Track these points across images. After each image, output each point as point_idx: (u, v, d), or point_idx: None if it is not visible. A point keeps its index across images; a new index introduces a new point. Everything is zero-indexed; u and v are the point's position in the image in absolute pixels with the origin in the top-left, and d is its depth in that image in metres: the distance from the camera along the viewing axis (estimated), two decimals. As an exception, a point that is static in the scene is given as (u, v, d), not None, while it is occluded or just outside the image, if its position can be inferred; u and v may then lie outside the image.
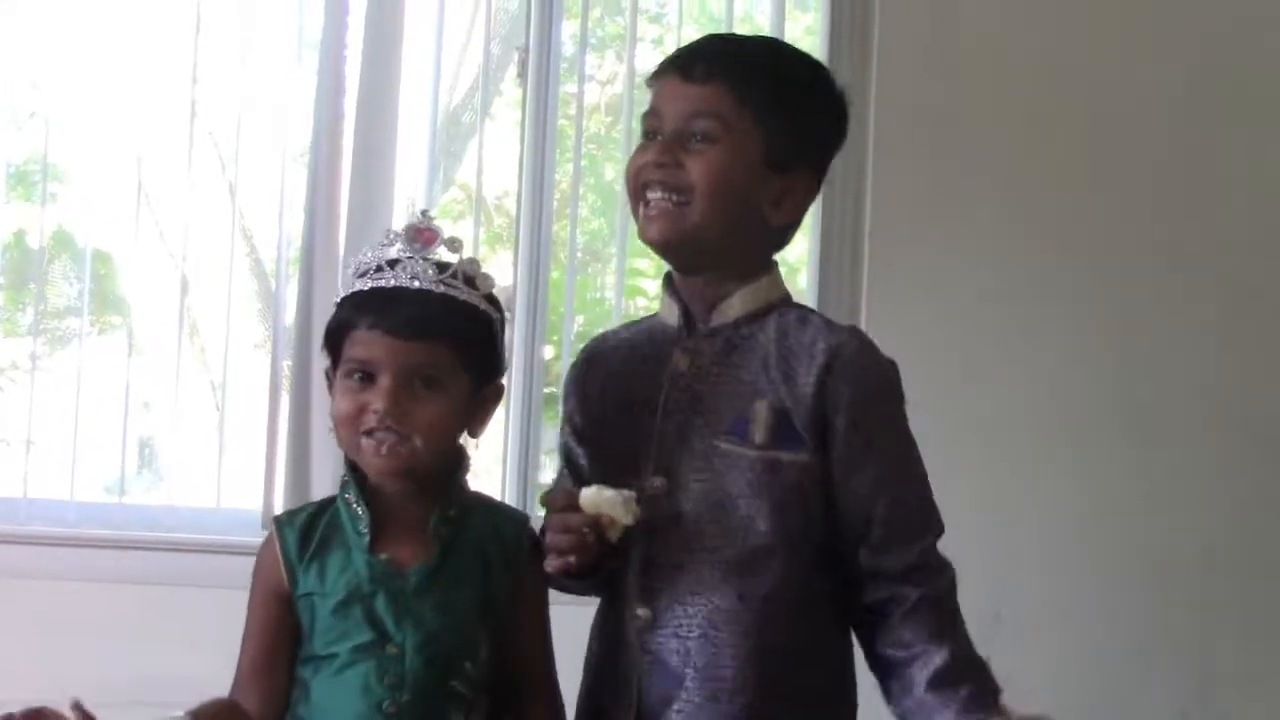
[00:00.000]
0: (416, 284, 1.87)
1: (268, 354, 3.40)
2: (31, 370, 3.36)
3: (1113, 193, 3.48)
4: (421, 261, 1.88)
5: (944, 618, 1.92)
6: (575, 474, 2.05)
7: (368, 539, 1.90)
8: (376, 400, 1.86)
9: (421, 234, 1.90)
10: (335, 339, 1.92)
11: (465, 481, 1.98)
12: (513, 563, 1.95)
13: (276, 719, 1.93)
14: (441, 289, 1.88)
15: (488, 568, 1.93)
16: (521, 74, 3.41)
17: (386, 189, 3.38)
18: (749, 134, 1.92)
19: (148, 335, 3.49)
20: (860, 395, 1.94)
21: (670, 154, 1.92)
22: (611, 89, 3.91)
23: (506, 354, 2.06)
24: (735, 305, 1.97)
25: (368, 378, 1.88)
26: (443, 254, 1.91)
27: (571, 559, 1.87)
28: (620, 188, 3.63)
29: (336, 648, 1.89)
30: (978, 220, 3.38)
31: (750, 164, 1.93)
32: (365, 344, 1.88)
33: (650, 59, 3.95)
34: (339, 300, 1.93)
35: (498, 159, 3.69)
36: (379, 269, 1.89)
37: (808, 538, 1.93)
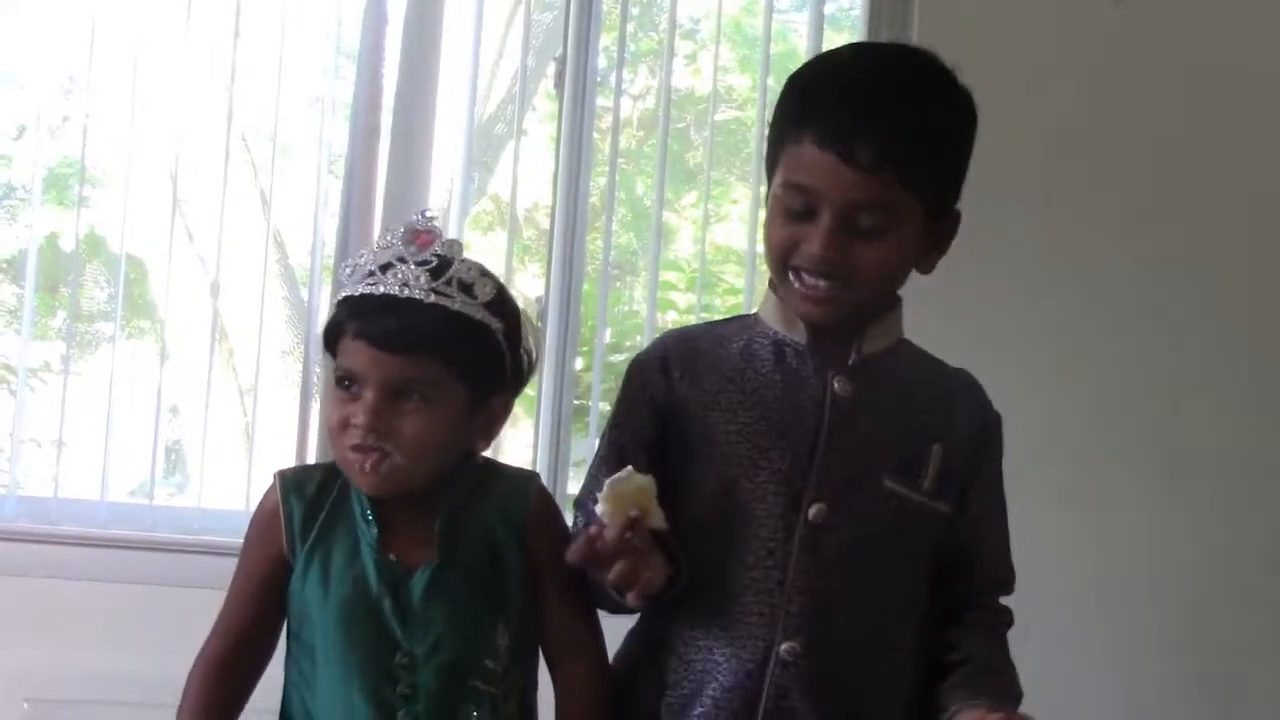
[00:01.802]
0: (406, 292, 1.78)
1: (297, 360, 3.41)
2: (63, 373, 3.37)
3: (1143, 216, 3.47)
4: (414, 267, 1.79)
5: (994, 642, 1.92)
6: (639, 449, 1.90)
7: (375, 533, 1.83)
8: (359, 414, 1.78)
9: (418, 235, 1.81)
10: (330, 342, 1.84)
11: (469, 465, 1.89)
12: (520, 532, 1.86)
13: (265, 660, 1.89)
14: (432, 298, 1.78)
15: (495, 554, 1.85)
16: (558, 85, 3.42)
17: (420, 198, 3.40)
18: (914, 211, 1.80)
19: (178, 340, 3.50)
20: (995, 451, 1.96)
21: (838, 249, 1.78)
22: (644, 104, 3.92)
23: (534, 362, 1.93)
24: (879, 337, 1.90)
25: (355, 388, 1.80)
26: (439, 252, 1.80)
27: (643, 585, 1.73)
28: (650, 201, 3.64)
29: (341, 652, 1.82)
30: (1003, 238, 3.37)
31: (917, 239, 1.82)
32: (351, 353, 1.80)
33: (683, 76, 3.97)
34: (336, 301, 1.85)
35: (530, 171, 3.70)
36: (371, 273, 1.80)
37: (923, 597, 1.92)
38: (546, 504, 1.90)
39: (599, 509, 1.70)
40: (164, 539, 3.22)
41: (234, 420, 3.56)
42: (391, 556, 1.83)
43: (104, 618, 3.10)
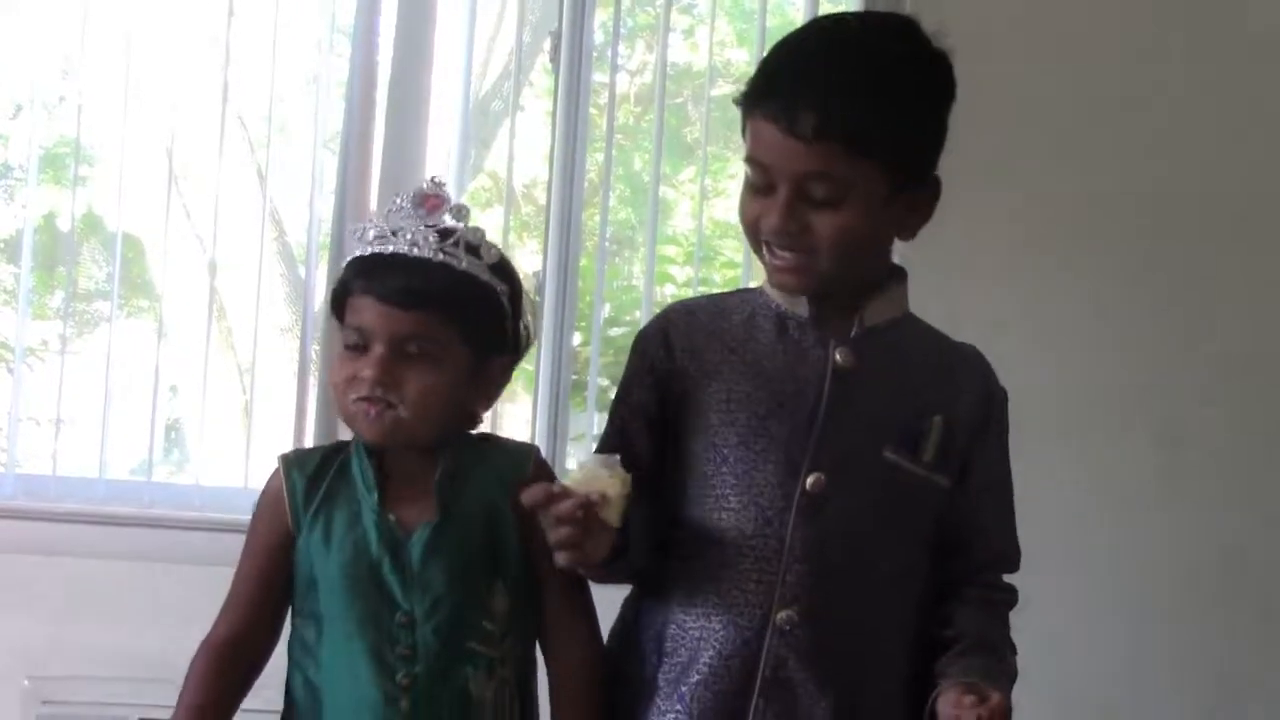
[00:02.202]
0: (415, 251, 1.83)
1: (295, 338, 3.42)
2: (61, 352, 3.37)
3: (1139, 190, 3.47)
4: (423, 229, 1.84)
5: (991, 619, 1.92)
6: (641, 426, 1.93)
7: (375, 497, 1.87)
8: (367, 368, 1.83)
9: (427, 199, 1.85)
10: (338, 304, 1.89)
11: (448, 416, 1.90)
12: (517, 501, 1.86)
13: (271, 643, 1.92)
14: (441, 257, 1.82)
15: (493, 517, 1.88)
16: (554, 60, 3.41)
17: (416, 175, 3.39)
18: (872, 179, 1.79)
19: (176, 318, 3.50)
20: (1001, 427, 1.95)
21: (792, 220, 1.79)
22: (641, 79, 3.91)
23: (531, 335, 1.97)
24: (882, 309, 1.90)
25: (363, 345, 1.84)
26: (447, 221, 1.85)
27: (577, 553, 1.76)
28: (649, 177, 3.64)
29: (343, 613, 1.86)
30: (999, 213, 3.38)
31: (876, 208, 1.81)
32: (360, 310, 1.84)
33: (680, 50, 3.96)
34: (345, 263, 1.90)
35: (526, 147, 3.69)
36: (381, 235, 1.85)
37: (921, 570, 1.92)
38: (546, 476, 1.91)
39: (570, 475, 1.76)
40: (163, 516, 3.24)
41: (232, 398, 3.56)
42: (391, 518, 1.87)
43: (103, 594, 3.12)
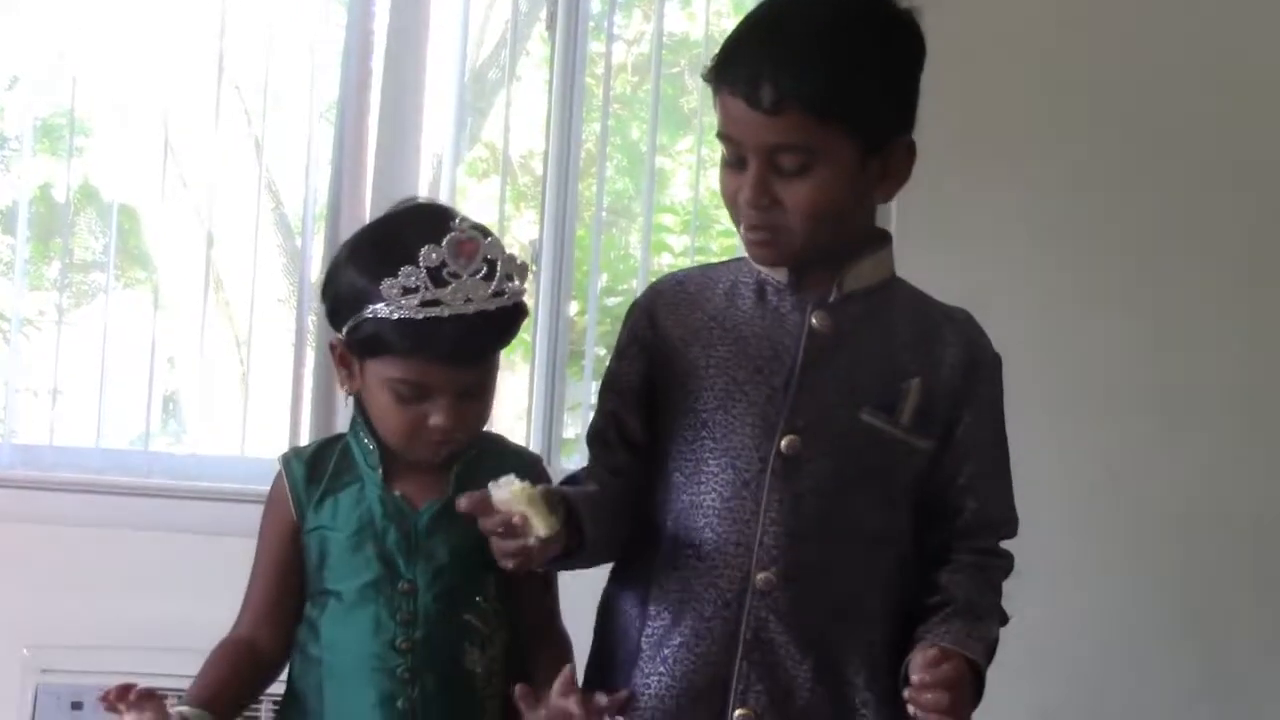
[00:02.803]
0: (471, 307, 1.81)
1: (291, 309, 3.42)
2: (58, 322, 3.37)
3: (1145, 163, 3.46)
4: (470, 280, 1.81)
5: (985, 587, 1.92)
6: (630, 402, 1.94)
7: (380, 473, 1.90)
8: (437, 416, 1.85)
9: (464, 247, 1.82)
10: (373, 350, 1.86)
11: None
12: None
13: (284, 652, 1.94)
14: (495, 305, 1.83)
15: None
16: (550, 27, 3.41)
17: (413, 145, 3.40)
18: (839, 146, 1.79)
19: (172, 289, 3.50)
20: (989, 390, 1.94)
21: (763, 193, 1.79)
22: (638, 49, 3.90)
23: (532, 311, 2.03)
24: (865, 273, 1.90)
25: (422, 396, 1.85)
26: (486, 257, 1.82)
27: (518, 560, 1.75)
28: (645, 147, 3.64)
29: (347, 584, 1.89)
30: (1007, 188, 3.38)
31: (847, 173, 1.80)
32: (419, 370, 1.84)
33: (677, 20, 3.95)
34: (379, 314, 1.82)
35: (523, 117, 3.69)
36: (422, 290, 1.80)
37: (903, 533, 1.92)
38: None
39: (493, 491, 1.73)
40: (160, 485, 3.24)
41: (229, 368, 3.56)
42: (396, 492, 1.91)
43: (101, 564, 3.13)
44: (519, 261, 1.87)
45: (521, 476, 1.80)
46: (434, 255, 1.80)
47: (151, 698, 1.77)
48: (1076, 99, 3.43)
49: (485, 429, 1.98)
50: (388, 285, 1.80)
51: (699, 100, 3.68)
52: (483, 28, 4.01)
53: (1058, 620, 3.22)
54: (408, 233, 1.85)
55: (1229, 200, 3.47)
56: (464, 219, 1.84)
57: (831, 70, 1.77)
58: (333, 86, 3.41)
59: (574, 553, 1.81)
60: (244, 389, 3.43)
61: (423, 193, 3.46)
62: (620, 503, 1.91)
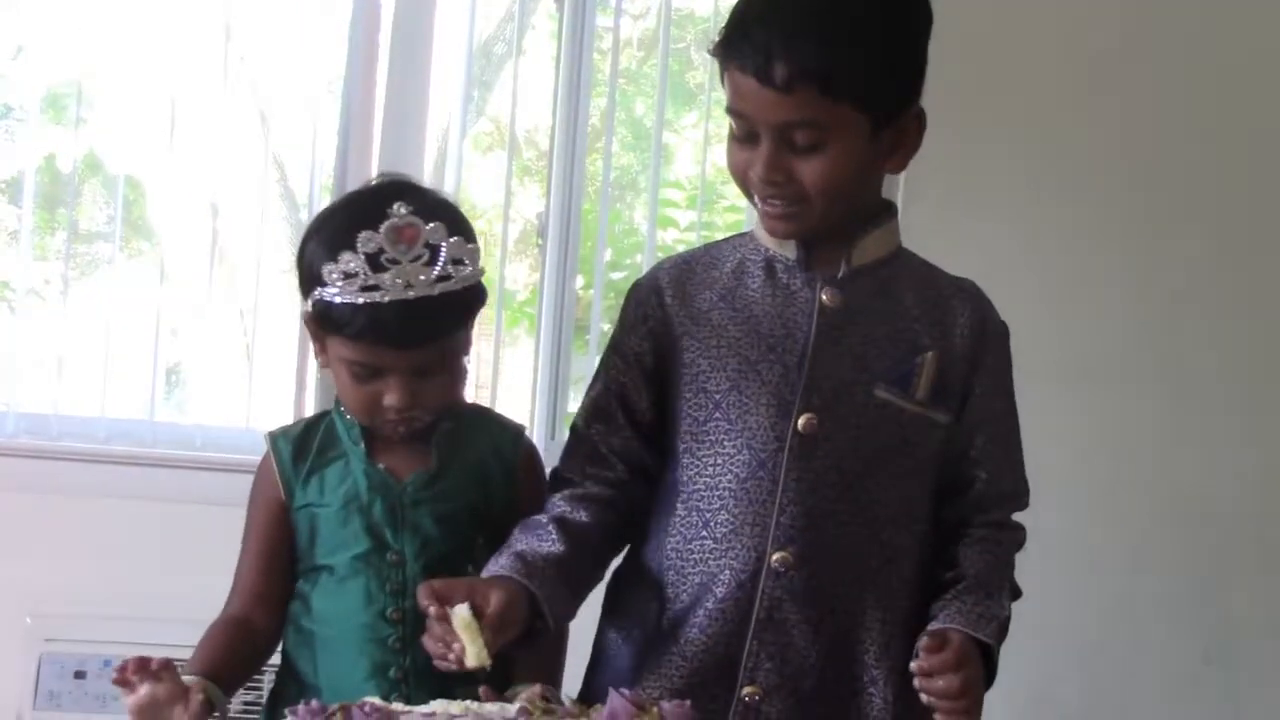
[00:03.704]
0: (413, 293, 1.81)
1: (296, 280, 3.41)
2: (64, 292, 3.38)
3: (1144, 142, 3.46)
4: (410, 265, 1.80)
5: (997, 562, 1.92)
6: (638, 379, 1.93)
7: (363, 448, 1.91)
8: (390, 395, 1.86)
9: (403, 233, 1.81)
10: (323, 332, 1.87)
11: (462, 395, 1.98)
12: (509, 475, 1.96)
13: (278, 629, 1.95)
14: (439, 289, 1.82)
15: (485, 479, 1.94)
16: (558, 1, 3.41)
17: (420, 118, 3.40)
18: (851, 122, 1.78)
19: (177, 260, 3.50)
20: (998, 361, 1.94)
21: (777, 169, 1.79)
22: (644, 23, 3.90)
23: (537, 286, 2.03)
24: (872, 247, 1.90)
25: (376, 374, 1.86)
26: (428, 243, 1.81)
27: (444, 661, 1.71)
28: (650, 122, 3.63)
29: (336, 558, 1.91)
30: (1008, 166, 3.38)
31: (860, 147, 1.80)
32: (368, 352, 1.84)
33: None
34: (325, 296, 1.82)
35: (529, 92, 3.68)
36: (363, 276, 1.80)
37: (922, 509, 1.92)
38: (533, 459, 2.00)
39: (456, 611, 1.70)
40: (164, 455, 3.26)
41: (234, 339, 3.56)
42: (381, 465, 1.92)
43: (106, 534, 3.14)
44: (469, 246, 1.85)
45: (508, 447, 1.91)
46: (371, 242, 1.80)
47: (169, 668, 1.77)
48: (1087, 71, 3.43)
49: (475, 402, 2.01)
50: (328, 270, 1.81)
51: (705, 75, 3.68)
52: (489, 0, 4.00)
53: (1059, 596, 3.22)
54: (352, 216, 1.85)
55: (1242, 175, 3.47)
56: (405, 210, 1.82)
57: (843, 47, 1.76)
58: (340, 59, 3.41)
59: (539, 634, 1.79)
60: (249, 360, 3.43)
61: (428, 166, 3.47)
62: (606, 533, 1.91)
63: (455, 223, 1.88)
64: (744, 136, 1.82)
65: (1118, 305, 3.44)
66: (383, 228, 1.80)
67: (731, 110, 1.83)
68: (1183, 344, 3.45)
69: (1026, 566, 1.98)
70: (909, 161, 1.88)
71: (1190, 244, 3.46)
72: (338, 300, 1.82)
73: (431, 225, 1.82)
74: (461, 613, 1.69)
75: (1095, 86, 3.43)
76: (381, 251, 1.80)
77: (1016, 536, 1.96)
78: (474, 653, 1.68)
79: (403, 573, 1.89)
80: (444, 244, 1.82)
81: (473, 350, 1.99)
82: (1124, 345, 3.44)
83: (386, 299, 1.80)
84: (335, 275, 1.81)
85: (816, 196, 1.81)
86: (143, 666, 1.75)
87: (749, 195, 1.87)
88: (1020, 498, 1.98)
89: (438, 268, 1.82)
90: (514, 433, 2.00)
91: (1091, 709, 3.42)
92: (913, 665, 1.78)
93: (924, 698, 1.77)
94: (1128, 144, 3.45)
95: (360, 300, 1.81)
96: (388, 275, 1.80)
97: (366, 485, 1.91)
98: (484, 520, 1.93)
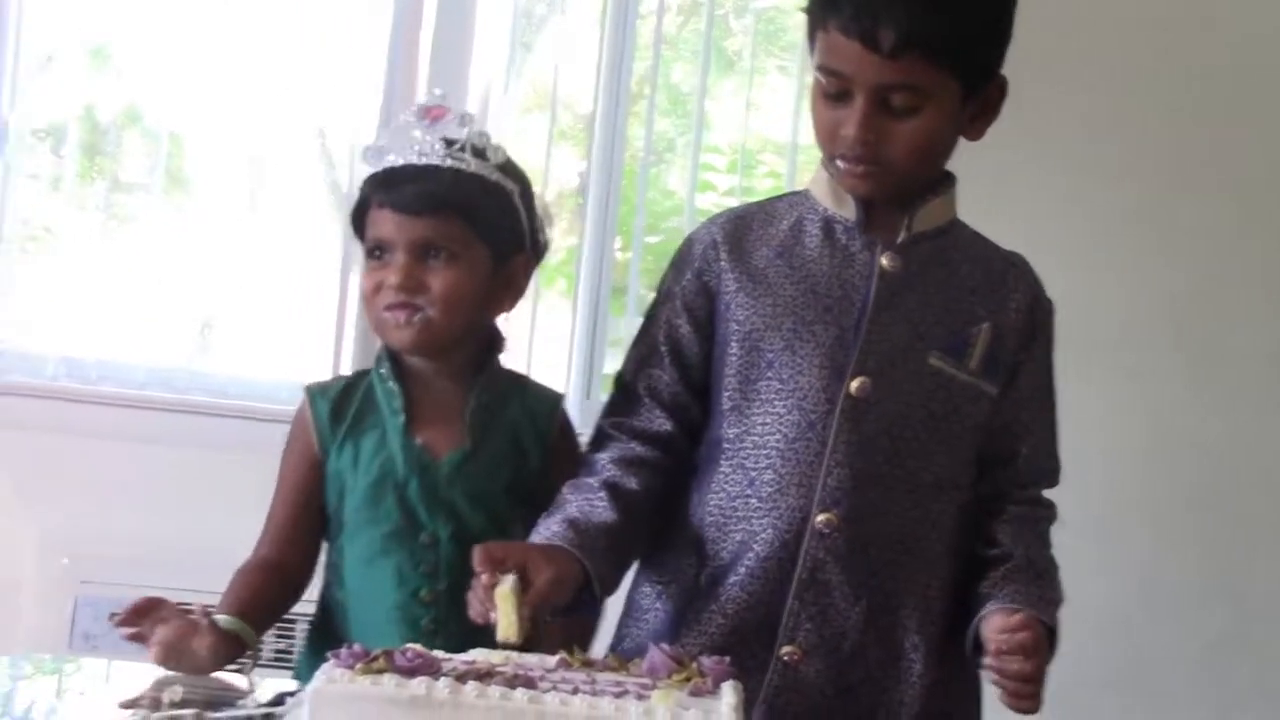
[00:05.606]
0: (423, 160, 1.90)
1: (338, 235, 3.45)
2: (104, 239, 3.40)
3: (1175, 118, 3.46)
4: (428, 138, 1.90)
5: (1035, 539, 1.94)
6: (693, 330, 1.94)
7: (403, 419, 1.93)
8: (391, 275, 1.89)
9: (430, 111, 1.92)
10: (358, 221, 1.96)
11: (499, 362, 2.00)
12: (542, 442, 1.98)
13: (309, 570, 1.98)
14: (449, 162, 1.90)
15: (521, 451, 1.96)
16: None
17: (462, 78, 3.41)
18: (947, 89, 1.80)
19: (216, 213, 3.51)
20: (1046, 337, 1.97)
21: (870, 128, 1.80)
22: (686, -10, 3.90)
23: (547, 239, 2.04)
24: (934, 213, 1.91)
25: (385, 255, 1.91)
26: (452, 129, 1.91)
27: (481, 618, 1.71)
28: (687, 88, 3.64)
29: (368, 533, 1.93)
30: (1035, 143, 3.37)
31: (953, 112, 1.82)
32: (379, 222, 1.91)
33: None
34: (361, 184, 1.97)
35: (568, 55, 3.69)
36: (388, 150, 1.92)
37: (965, 478, 1.93)
38: (569, 427, 2.02)
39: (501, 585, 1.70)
40: (201, 402, 3.29)
41: (275, 291, 3.58)
42: (418, 441, 1.93)
43: (143, 478, 3.17)
44: (494, 148, 1.94)
45: (544, 414, 1.94)
46: (404, 119, 1.93)
47: (164, 604, 1.81)
48: (1125, 51, 3.43)
49: (518, 371, 2.03)
50: (365, 152, 1.94)
51: (742, 42, 3.68)
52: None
53: (1088, 572, 3.23)
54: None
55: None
56: (441, 94, 1.96)
57: (949, 14, 1.78)
58: (386, 20, 3.43)
59: (583, 606, 1.80)
60: (287, 313, 3.46)
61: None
62: (655, 502, 1.91)
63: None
64: (836, 94, 1.82)
65: (1150, 282, 3.44)
66: (415, 105, 1.93)
67: (824, 68, 1.83)
68: (1212, 324, 3.46)
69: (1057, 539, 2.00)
70: (987, 130, 1.89)
71: (1222, 224, 3.46)
72: (367, 175, 1.93)
73: (461, 113, 1.92)
74: (505, 585, 1.69)
75: (1134, 50, 3.44)
76: (410, 126, 1.91)
77: (1051, 514, 1.99)
78: (504, 625, 1.68)
79: (436, 554, 1.91)
80: (468, 133, 1.91)
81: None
82: (1153, 325, 3.44)
83: (399, 162, 1.90)
84: (368, 155, 1.93)
85: (904, 159, 1.82)
86: (138, 611, 1.79)
87: (831, 155, 1.87)
88: (1054, 474, 2.00)
89: (454, 147, 1.90)
90: (551, 402, 2.02)
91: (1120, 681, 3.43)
92: (992, 644, 1.78)
93: (992, 676, 1.79)
94: (1166, 109, 3.45)
95: (381, 167, 1.92)
96: (402, 140, 1.90)
97: (403, 460, 1.92)
98: (520, 497, 1.94)
